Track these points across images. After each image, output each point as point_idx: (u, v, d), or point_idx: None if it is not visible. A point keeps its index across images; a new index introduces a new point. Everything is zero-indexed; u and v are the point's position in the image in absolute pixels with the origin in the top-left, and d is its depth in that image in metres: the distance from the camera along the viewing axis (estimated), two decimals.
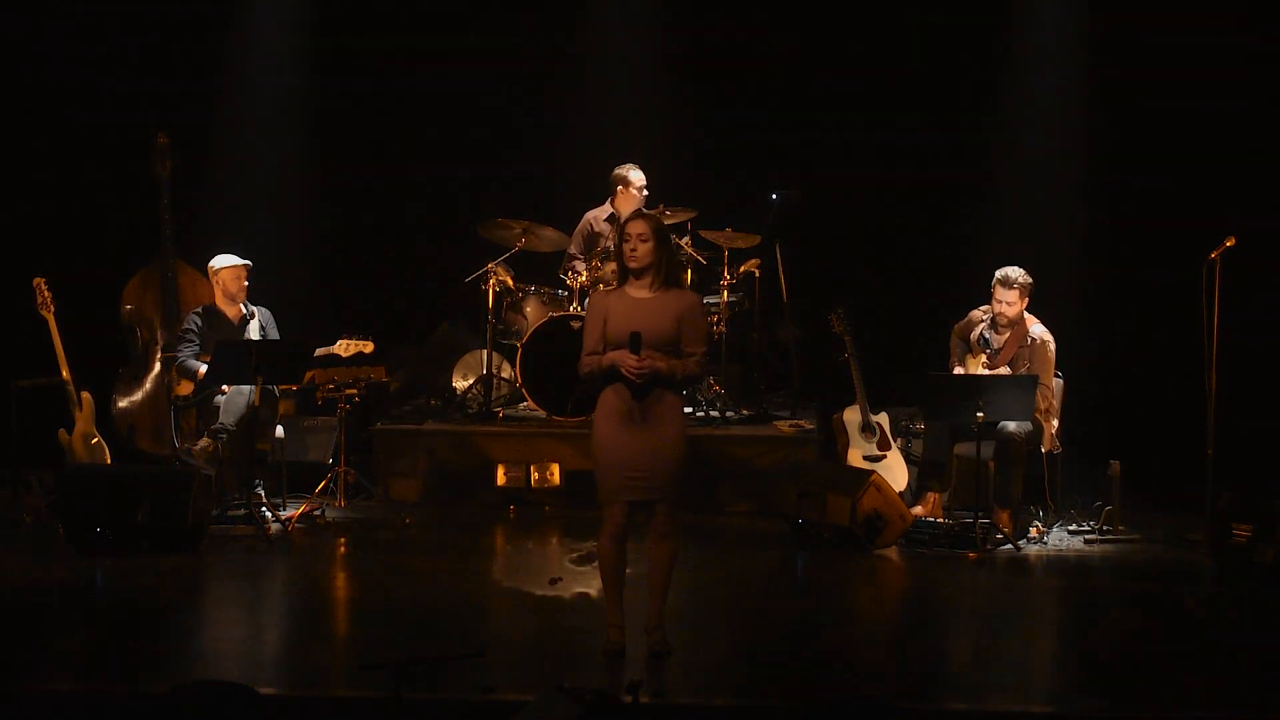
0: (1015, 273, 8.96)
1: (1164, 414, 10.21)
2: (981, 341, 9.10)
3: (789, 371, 10.75)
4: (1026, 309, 9.02)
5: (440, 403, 10.57)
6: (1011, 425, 8.75)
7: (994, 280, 9.00)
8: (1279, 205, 10.25)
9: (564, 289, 10.31)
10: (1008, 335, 9.01)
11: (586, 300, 10.12)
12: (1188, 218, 10.15)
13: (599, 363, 6.54)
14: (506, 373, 10.42)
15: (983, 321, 9.13)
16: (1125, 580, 8.17)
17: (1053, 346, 8.97)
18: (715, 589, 7.86)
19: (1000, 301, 8.95)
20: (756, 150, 11.08)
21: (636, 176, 10.22)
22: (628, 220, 6.65)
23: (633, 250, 6.54)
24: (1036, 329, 8.99)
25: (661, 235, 6.57)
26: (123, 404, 9.86)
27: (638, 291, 6.58)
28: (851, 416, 9.70)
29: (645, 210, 6.63)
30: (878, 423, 9.67)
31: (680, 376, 6.55)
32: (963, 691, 6.45)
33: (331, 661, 6.72)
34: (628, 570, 6.68)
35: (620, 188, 10.27)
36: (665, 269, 6.57)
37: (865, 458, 9.55)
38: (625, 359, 6.44)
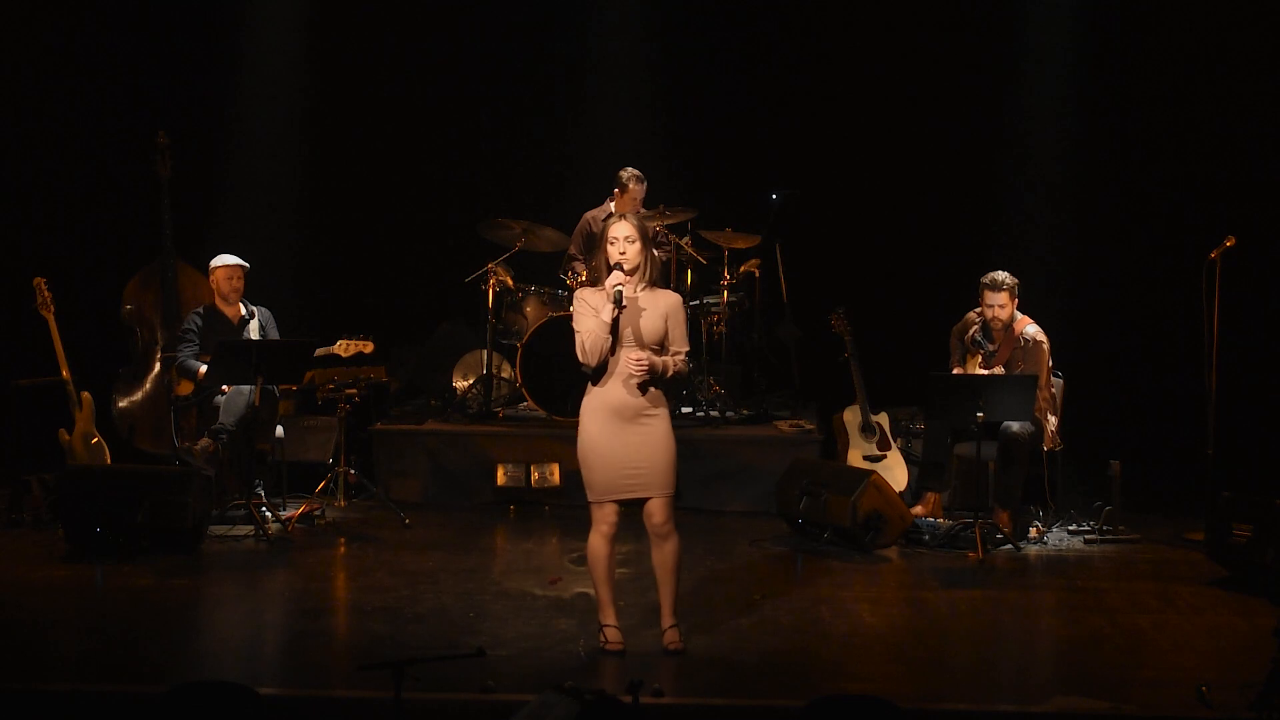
0: (1001, 275, 8.92)
1: (1164, 414, 10.21)
2: (974, 344, 9.09)
3: (789, 371, 10.75)
4: (1019, 309, 9.01)
5: (440, 403, 10.57)
6: (1015, 425, 8.75)
7: (981, 286, 8.96)
8: (1279, 205, 10.25)
9: (564, 289, 10.30)
10: (1001, 338, 9.00)
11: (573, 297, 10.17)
12: (1188, 218, 10.16)
13: (597, 329, 6.53)
14: (506, 373, 10.43)
15: (976, 325, 9.11)
16: (1125, 580, 8.16)
17: (1046, 346, 8.95)
18: (715, 588, 7.87)
19: (991, 305, 8.92)
20: (756, 150, 11.08)
21: (635, 188, 10.15)
22: (611, 224, 6.69)
23: (622, 253, 6.61)
24: (1030, 329, 8.97)
25: (645, 235, 6.67)
26: (123, 404, 9.86)
27: (626, 290, 6.62)
28: (851, 416, 9.71)
29: (627, 213, 6.73)
30: (878, 423, 9.69)
31: (672, 374, 6.63)
32: (963, 691, 6.45)
33: (331, 661, 6.72)
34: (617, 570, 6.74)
35: (617, 189, 10.27)
36: (649, 268, 6.65)
37: (865, 458, 9.56)
38: (616, 276, 6.52)
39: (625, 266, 6.61)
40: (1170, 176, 10.54)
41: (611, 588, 6.71)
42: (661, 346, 6.63)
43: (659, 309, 6.64)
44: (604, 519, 6.64)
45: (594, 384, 6.68)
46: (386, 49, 11.12)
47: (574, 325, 6.66)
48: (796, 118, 11.06)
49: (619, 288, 6.55)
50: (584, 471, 6.69)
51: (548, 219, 10.47)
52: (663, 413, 6.66)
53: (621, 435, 6.59)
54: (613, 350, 6.59)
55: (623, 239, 6.62)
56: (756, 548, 8.80)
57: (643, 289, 6.65)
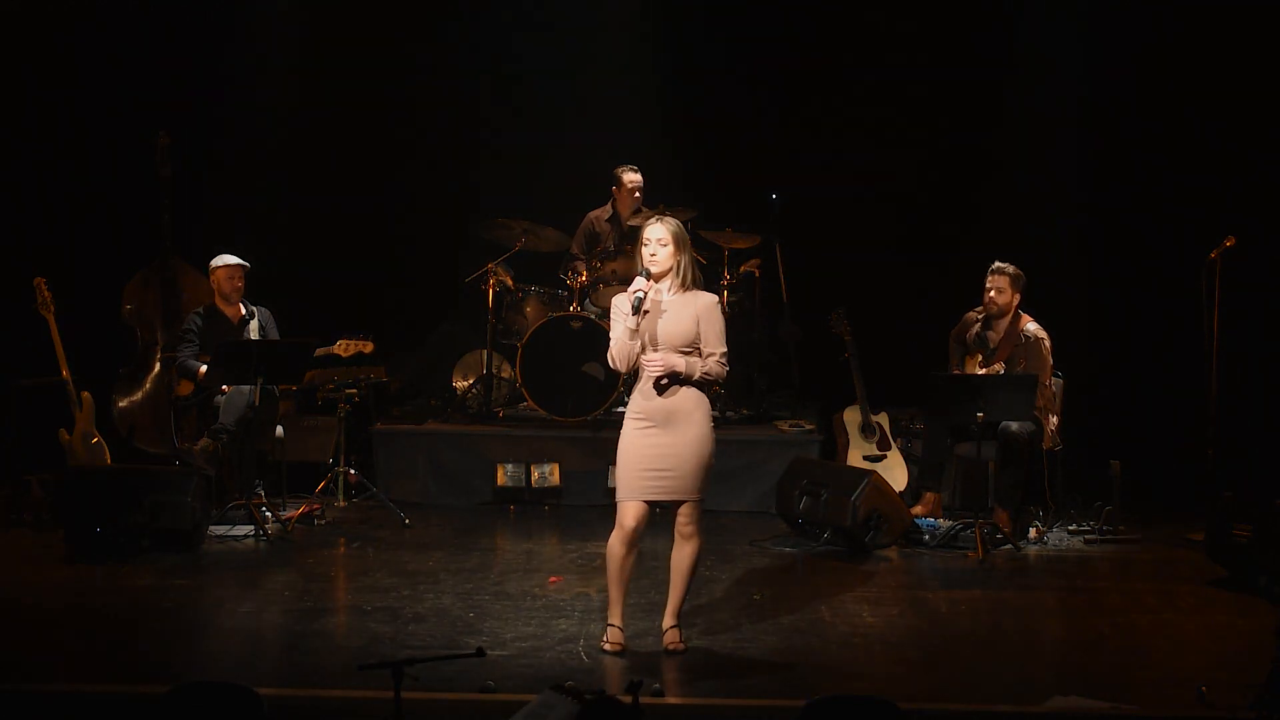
0: (1004, 263, 9.02)
1: (1164, 414, 10.21)
2: (977, 340, 9.11)
3: (789, 371, 10.75)
4: (1022, 308, 9.03)
5: (440, 403, 10.57)
6: (1014, 425, 8.75)
7: (987, 274, 9.06)
8: (1279, 205, 10.25)
9: (564, 289, 10.31)
10: (1002, 335, 9.02)
11: (588, 295, 10.17)
12: (1188, 218, 10.15)
13: (621, 335, 6.57)
14: (506, 373, 10.43)
15: (977, 322, 9.14)
16: (1125, 580, 8.16)
17: (1048, 344, 8.97)
18: (715, 588, 7.87)
19: (989, 290, 8.99)
20: (756, 150, 11.08)
21: (629, 177, 10.27)
22: (646, 225, 6.70)
23: (653, 255, 6.63)
24: (1031, 327, 9.00)
25: (680, 239, 6.66)
26: (123, 404, 9.86)
27: (657, 294, 6.65)
28: (851, 416, 9.72)
29: (664, 215, 6.72)
30: (878, 423, 9.69)
31: (699, 375, 6.60)
32: (963, 691, 6.45)
33: (331, 661, 6.72)
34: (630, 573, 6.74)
35: (614, 187, 10.32)
36: (684, 272, 6.66)
37: (865, 458, 9.57)
38: (638, 282, 6.58)
39: (654, 269, 6.62)
40: (1170, 176, 10.53)
41: (621, 588, 6.70)
42: (694, 349, 6.62)
43: (689, 311, 6.63)
44: (622, 519, 6.64)
45: (631, 388, 6.73)
46: (387, 49, 11.10)
47: (611, 327, 6.72)
48: (797, 117, 11.04)
49: (638, 294, 6.55)
50: (616, 470, 6.76)
51: (548, 219, 10.48)
52: (698, 416, 6.64)
53: (649, 438, 6.60)
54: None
55: (655, 241, 6.64)
56: (756, 548, 8.80)
57: (675, 292, 6.65)
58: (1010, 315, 9.02)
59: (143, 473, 8.77)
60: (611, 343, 6.67)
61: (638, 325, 6.57)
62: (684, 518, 6.66)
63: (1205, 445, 8.96)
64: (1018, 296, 9.00)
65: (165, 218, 9.89)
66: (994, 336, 9.06)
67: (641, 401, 6.63)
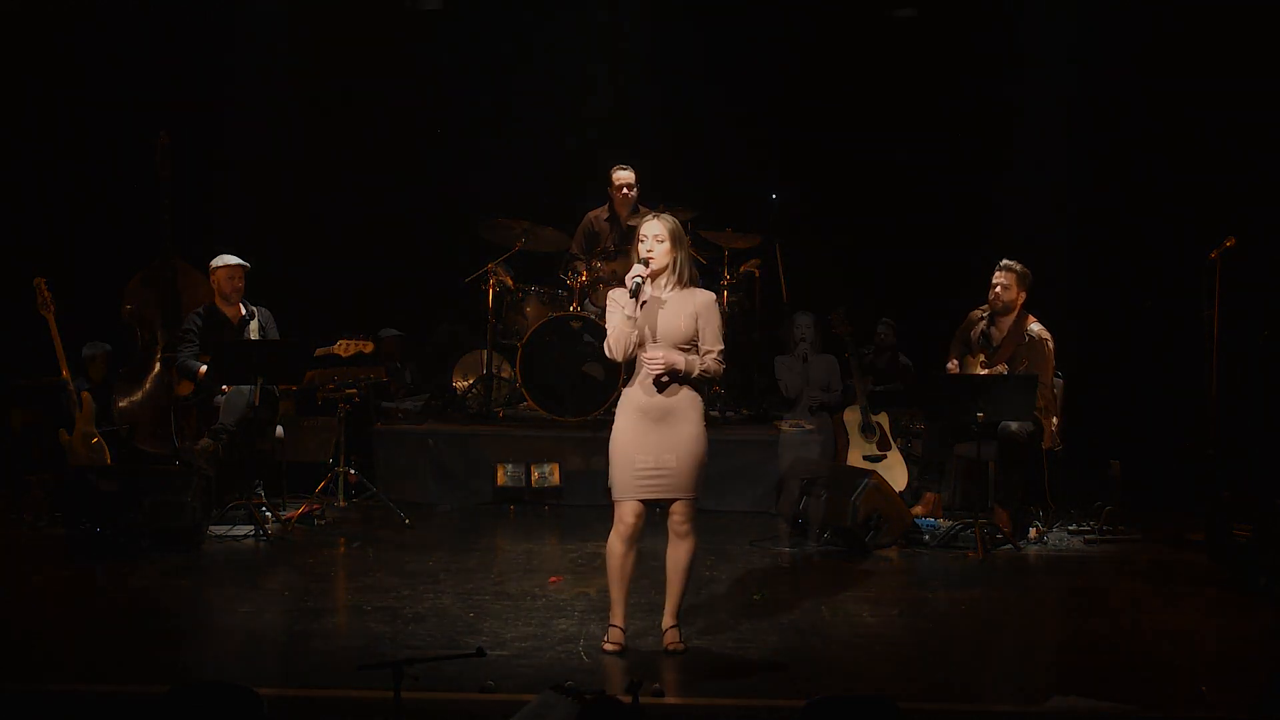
0: (1012, 260, 9.03)
1: (1164, 414, 10.21)
2: (982, 338, 9.11)
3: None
4: (1025, 308, 9.02)
5: (440, 403, 10.57)
6: (1013, 425, 8.76)
7: (994, 269, 9.06)
8: (1279, 205, 10.26)
9: (564, 289, 10.31)
10: (1006, 333, 9.02)
11: (588, 295, 10.18)
12: (1188, 218, 10.16)
13: (620, 323, 6.54)
14: (506, 373, 10.43)
15: (981, 320, 9.15)
16: (1125, 580, 8.17)
17: (1051, 344, 8.98)
18: (715, 588, 7.87)
19: (995, 285, 9.00)
20: (756, 150, 11.08)
21: (619, 175, 10.29)
22: (644, 222, 6.69)
23: (649, 252, 6.59)
24: (1035, 327, 9.01)
25: (677, 236, 6.65)
26: (123, 404, 9.86)
27: (655, 291, 6.64)
28: (851, 416, 9.72)
29: (661, 213, 6.71)
30: (878, 423, 9.69)
31: (698, 373, 6.60)
32: (963, 691, 6.45)
33: (331, 661, 6.72)
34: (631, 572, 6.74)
35: (609, 187, 10.34)
36: (681, 269, 6.64)
37: (865, 458, 9.57)
38: (637, 269, 6.55)
39: (651, 266, 6.61)
40: (1170, 176, 10.53)
41: (622, 588, 6.70)
42: (692, 346, 6.62)
43: (687, 309, 6.61)
44: (621, 518, 6.64)
45: (626, 384, 6.72)
46: (387, 49, 11.11)
47: (607, 321, 6.70)
48: (797, 118, 11.05)
49: (637, 279, 6.55)
50: (610, 469, 6.73)
51: (548, 219, 10.48)
52: (693, 414, 6.63)
53: (645, 435, 6.59)
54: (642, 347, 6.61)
55: (651, 237, 6.63)
56: (756, 548, 8.80)
57: (673, 290, 6.64)
58: (1015, 313, 9.03)
59: (143, 473, 8.77)
60: (608, 332, 6.64)
61: (634, 310, 6.55)
62: (678, 516, 6.65)
63: (1205, 445, 8.96)
64: (1023, 294, 9.00)
65: (165, 218, 9.90)
66: (997, 334, 9.07)
67: (642, 398, 6.62)
